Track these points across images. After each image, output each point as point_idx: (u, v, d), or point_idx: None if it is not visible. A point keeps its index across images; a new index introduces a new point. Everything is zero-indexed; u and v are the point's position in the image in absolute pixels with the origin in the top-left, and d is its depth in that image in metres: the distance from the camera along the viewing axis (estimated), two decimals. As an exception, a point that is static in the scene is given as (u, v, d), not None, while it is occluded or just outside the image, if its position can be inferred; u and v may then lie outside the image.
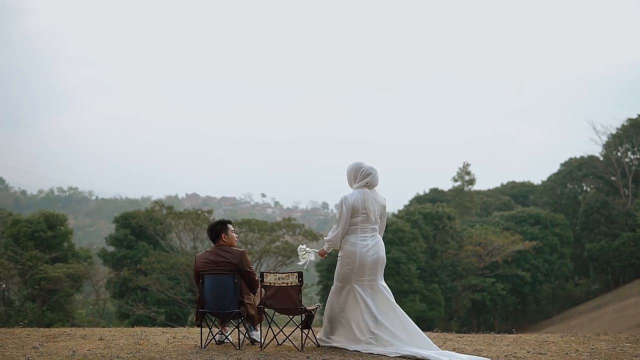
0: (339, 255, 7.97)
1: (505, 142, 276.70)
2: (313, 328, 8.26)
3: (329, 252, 8.07)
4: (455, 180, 63.57)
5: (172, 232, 38.68)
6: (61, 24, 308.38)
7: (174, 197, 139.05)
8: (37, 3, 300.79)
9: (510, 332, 10.81)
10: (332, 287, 8.11)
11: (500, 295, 48.64)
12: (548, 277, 52.96)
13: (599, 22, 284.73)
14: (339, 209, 7.87)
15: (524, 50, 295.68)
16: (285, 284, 7.82)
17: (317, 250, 8.16)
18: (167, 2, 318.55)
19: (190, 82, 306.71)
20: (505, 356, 7.75)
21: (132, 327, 12.08)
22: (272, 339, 8.25)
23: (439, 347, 7.86)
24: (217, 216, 43.24)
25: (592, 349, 8.36)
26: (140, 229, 39.53)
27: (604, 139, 62.90)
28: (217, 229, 8.42)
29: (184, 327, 19.21)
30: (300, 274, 7.84)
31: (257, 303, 8.24)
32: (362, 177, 7.94)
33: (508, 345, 8.67)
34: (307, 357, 7.36)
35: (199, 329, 8.64)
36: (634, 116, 61.18)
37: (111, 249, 41.03)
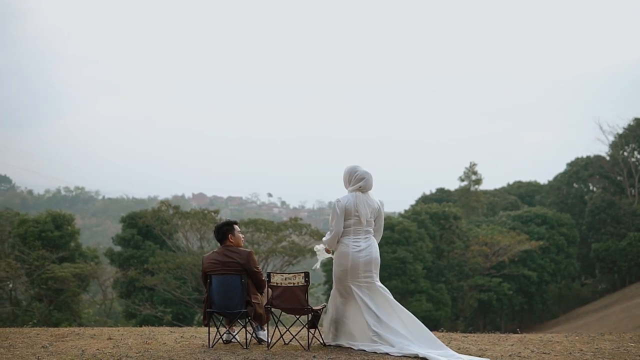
0: (333, 256, 8.11)
1: (510, 141, 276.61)
2: (319, 327, 8.34)
3: (332, 249, 8.19)
4: (462, 180, 63.55)
5: (179, 232, 38.71)
6: (74, 25, 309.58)
7: (180, 197, 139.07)
8: (41, 3, 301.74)
9: (515, 332, 10.85)
10: (332, 290, 8.21)
11: (506, 295, 48.56)
12: (554, 277, 52.85)
13: (602, 21, 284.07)
14: (332, 211, 8.03)
15: (527, 49, 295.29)
16: (292, 284, 7.90)
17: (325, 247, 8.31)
18: (168, 3, 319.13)
19: (194, 82, 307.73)
20: (510, 356, 7.80)
21: (140, 326, 12.15)
22: (279, 339, 8.33)
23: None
24: (223, 216, 43.39)
25: (596, 348, 8.41)
26: (147, 229, 39.61)
27: (611, 138, 62.80)
28: (224, 230, 8.49)
29: (192, 326, 19.30)
30: (306, 274, 7.92)
31: (264, 303, 8.33)
32: (355, 180, 8.08)
33: (512, 345, 8.71)
34: (314, 357, 7.42)
35: (207, 328, 8.74)
36: (640, 116, 61.00)
37: (118, 248, 41.12)
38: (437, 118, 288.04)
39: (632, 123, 60.81)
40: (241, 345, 8.26)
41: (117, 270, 39.49)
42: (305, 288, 7.91)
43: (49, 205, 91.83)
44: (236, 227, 8.58)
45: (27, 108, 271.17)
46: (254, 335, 8.46)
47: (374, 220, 8.12)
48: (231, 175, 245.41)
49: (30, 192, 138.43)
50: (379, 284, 8.02)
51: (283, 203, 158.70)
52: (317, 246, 8.61)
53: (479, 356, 7.74)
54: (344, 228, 7.98)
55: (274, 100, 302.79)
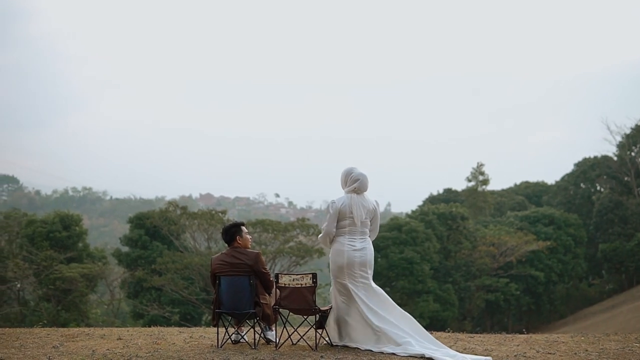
0: (330, 254, 8.24)
1: (512, 141, 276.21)
2: (327, 327, 8.41)
3: (327, 248, 8.34)
4: (469, 181, 63.53)
5: (186, 232, 38.79)
6: (83, 26, 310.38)
7: (188, 197, 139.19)
8: (44, 3, 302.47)
9: (521, 332, 10.90)
10: (331, 288, 8.29)
11: (514, 296, 48.52)
12: (562, 277, 52.76)
13: (602, 21, 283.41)
14: (327, 211, 8.15)
15: (527, 49, 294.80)
16: (299, 285, 7.98)
17: None
18: (169, 3, 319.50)
19: (194, 82, 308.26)
20: (515, 356, 7.84)
21: (148, 327, 12.23)
22: (287, 339, 8.39)
23: (449, 347, 7.99)
24: (231, 216, 43.44)
25: (601, 349, 8.45)
26: (155, 229, 39.70)
27: (618, 138, 62.60)
28: (232, 232, 8.56)
29: (200, 327, 19.37)
30: (314, 275, 7.99)
31: (272, 303, 8.40)
32: (351, 182, 8.19)
33: (518, 345, 8.76)
34: (321, 357, 7.49)
35: (216, 328, 8.82)
36: (649, 116, 60.83)
37: (125, 249, 41.22)
38: (438, 118, 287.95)
39: (639, 124, 60.64)
40: (249, 345, 8.33)
41: (124, 271, 39.60)
42: (312, 289, 7.98)
43: (57, 205, 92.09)
44: (244, 228, 8.65)
45: (33, 108, 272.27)
46: (262, 335, 8.53)
47: (370, 221, 8.24)
48: (238, 175, 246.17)
49: (37, 192, 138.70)
50: (374, 284, 8.15)
51: (290, 203, 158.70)
52: None
53: (485, 356, 7.79)
54: (340, 228, 8.09)
55: (274, 100, 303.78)
